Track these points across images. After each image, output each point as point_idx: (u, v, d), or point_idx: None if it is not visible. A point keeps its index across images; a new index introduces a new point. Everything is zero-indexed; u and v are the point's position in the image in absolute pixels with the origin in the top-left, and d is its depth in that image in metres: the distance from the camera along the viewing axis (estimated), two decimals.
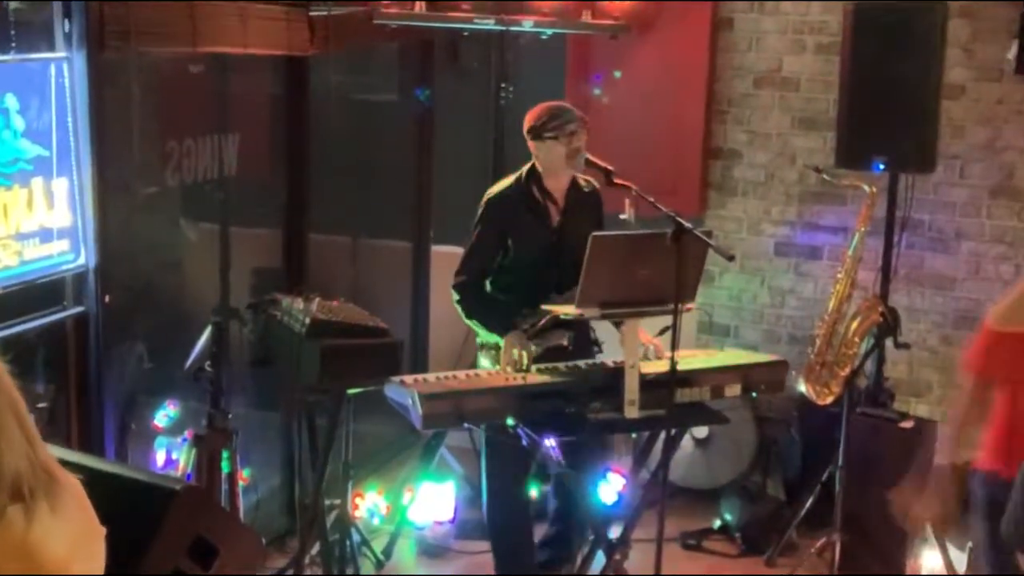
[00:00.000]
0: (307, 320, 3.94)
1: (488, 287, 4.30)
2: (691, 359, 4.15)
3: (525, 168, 4.28)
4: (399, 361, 4.06)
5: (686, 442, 5.34)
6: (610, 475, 4.96)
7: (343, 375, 3.97)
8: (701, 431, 5.42)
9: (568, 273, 4.04)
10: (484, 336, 4.24)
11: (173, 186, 4.49)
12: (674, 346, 3.70)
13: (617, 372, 3.89)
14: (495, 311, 4.21)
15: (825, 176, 5.07)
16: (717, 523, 5.24)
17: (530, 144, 4.21)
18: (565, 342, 4.16)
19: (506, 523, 4.34)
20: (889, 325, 4.79)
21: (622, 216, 4.56)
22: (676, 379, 3.77)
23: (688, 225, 3.73)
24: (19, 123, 3.57)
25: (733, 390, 4.12)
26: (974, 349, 3.40)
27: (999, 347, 3.24)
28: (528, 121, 4.21)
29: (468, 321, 4.26)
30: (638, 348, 3.93)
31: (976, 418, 3.36)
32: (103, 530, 1.95)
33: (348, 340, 3.98)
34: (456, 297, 4.25)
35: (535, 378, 3.90)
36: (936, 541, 4.67)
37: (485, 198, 4.28)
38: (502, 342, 4.08)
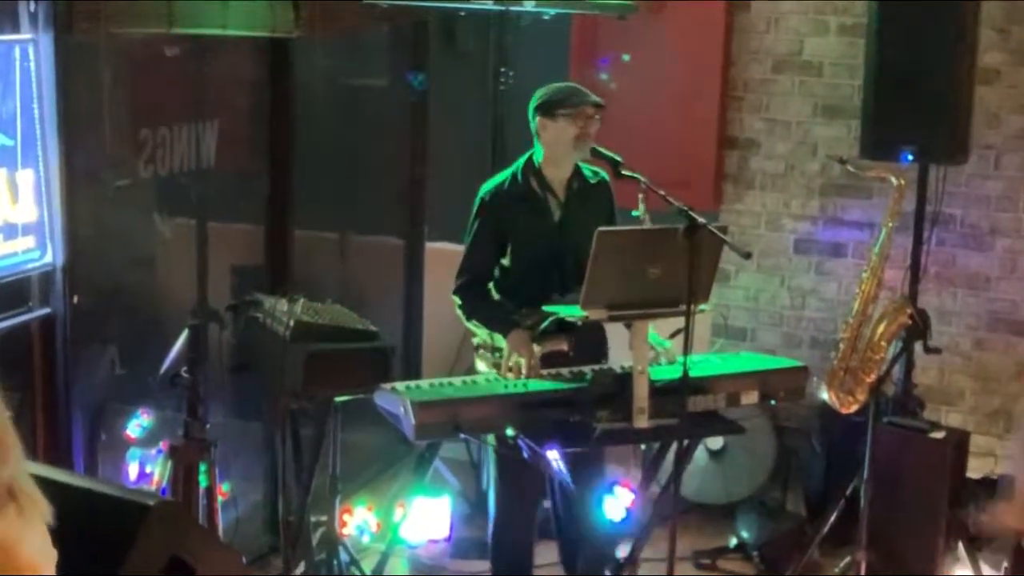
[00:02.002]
0: (291, 323, 3.94)
1: (492, 291, 4.29)
2: (705, 364, 4.15)
3: (522, 159, 4.27)
4: (390, 367, 4.07)
5: (699, 454, 5.34)
6: (618, 489, 4.96)
7: (330, 382, 3.97)
8: (716, 442, 5.42)
9: (572, 272, 4.04)
10: (482, 336, 4.24)
11: (147, 178, 4.49)
12: (686, 350, 3.70)
13: (625, 378, 3.89)
14: (497, 310, 4.20)
15: (849, 167, 5.06)
16: (733, 541, 5.24)
17: (537, 122, 4.18)
18: (566, 347, 4.15)
19: (512, 546, 4.34)
20: (918, 328, 4.78)
21: (634, 213, 4.55)
22: (689, 386, 3.77)
23: (702, 220, 3.73)
24: None
25: (750, 398, 4.12)
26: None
27: None
28: (540, 97, 4.18)
29: (468, 323, 4.26)
30: (647, 352, 3.93)
31: None
32: (55, 553, 2.05)
33: (335, 344, 3.98)
34: (458, 302, 4.25)
35: (537, 385, 3.90)
36: (969, 559, 4.67)
37: (478, 195, 4.27)
38: (503, 342, 4.08)
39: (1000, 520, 3.37)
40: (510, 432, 3.78)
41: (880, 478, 4.68)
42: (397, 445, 5.54)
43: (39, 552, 2.01)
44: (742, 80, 5.88)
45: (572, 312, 3.90)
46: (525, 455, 3.79)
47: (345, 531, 4.79)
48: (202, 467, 4.03)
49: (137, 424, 4.43)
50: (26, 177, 3.73)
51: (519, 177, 4.24)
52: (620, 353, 4.22)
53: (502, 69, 5.33)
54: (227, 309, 4.29)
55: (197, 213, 4.55)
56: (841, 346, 4.93)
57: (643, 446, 4.90)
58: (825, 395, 4.93)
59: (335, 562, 4.37)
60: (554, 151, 4.19)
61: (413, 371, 5.99)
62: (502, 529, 4.31)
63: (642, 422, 3.85)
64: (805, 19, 5.76)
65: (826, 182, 5.81)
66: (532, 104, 4.20)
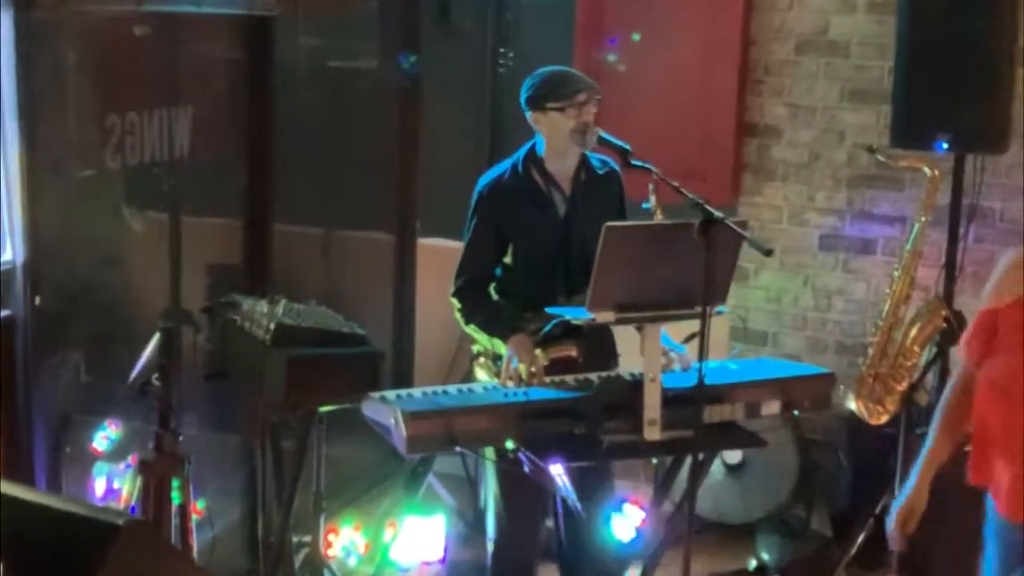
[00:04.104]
0: (272, 326, 3.94)
1: (492, 293, 4.30)
2: (722, 371, 4.15)
3: (524, 150, 4.27)
4: (379, 374, 4.07)
5: (716, 469, 5.34)
6: (627, 507, 4.96)
7: (314, 390, 3.97)
8: (734, 456, 5.42)
9: (579, 273, 4.03)
10: (484, 342, 4.24)
11: (115, 168, 4.49)
12: (702, 356, 3.70)
13: (635, 386, 3.89)
14: (497, 313, 4.20)
15: (879, 157, 5.07)
16: (752, 563, 5.24)
17: (530, 117, 4.20)
18: (574, 353, 4.16)
19: (514, 570, 4.34)
20: (954, 331, 4.78)
21: (645, 205, 4.55)
22: (704, 395, 3.77)
23: (718, 214, 3.73)
24: None
25: (771, 408, 4.12)
26: (968, 333, 3.61)
27: (987, 324, 3.49)
28: (527, 88, 4.20)
29: (467, 328, 4.26)
30: (659, 358, 3.93)
31: (963, 404, 3.60)
32: None
33: (320, 349, 3.98)
34: (457, 306, 4.25)
35: (539, 394, 3.90)
36: None
37: (476, 188, 4.27)
38: (503, 349, 4.08)
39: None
40: (510, 445, 3.78)
41: None
42: (387, 459, 5.54)
43: None
44: (762, 62, 5.88)
45: (578, 314, 3.90)
46: (526, 470, 3.79)
47: (331, 553, 4.79)
48: (175, 483, 4.03)
49: (104, 436, 4.43)
50: None
51: (520, 169, 4.24)
52: (630, 359, 4.22)
53: (501, 50, 5.34)
54: (202, 311, 4.30)
55: (169, 206, 4.55)
56: (870, 351, 4.94)
57: (655, 460, 4.89)
58: (853, 405, 4.93)
59: None
60: (554, 144, 4.20)
61: (404, 378, 6.00)
62: (503, 550, 4.31)
63: (654, 434, 3.85)
64: None
65: (854, 173, 5.81)
66: (521, 97, 4.21)
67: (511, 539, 4.29)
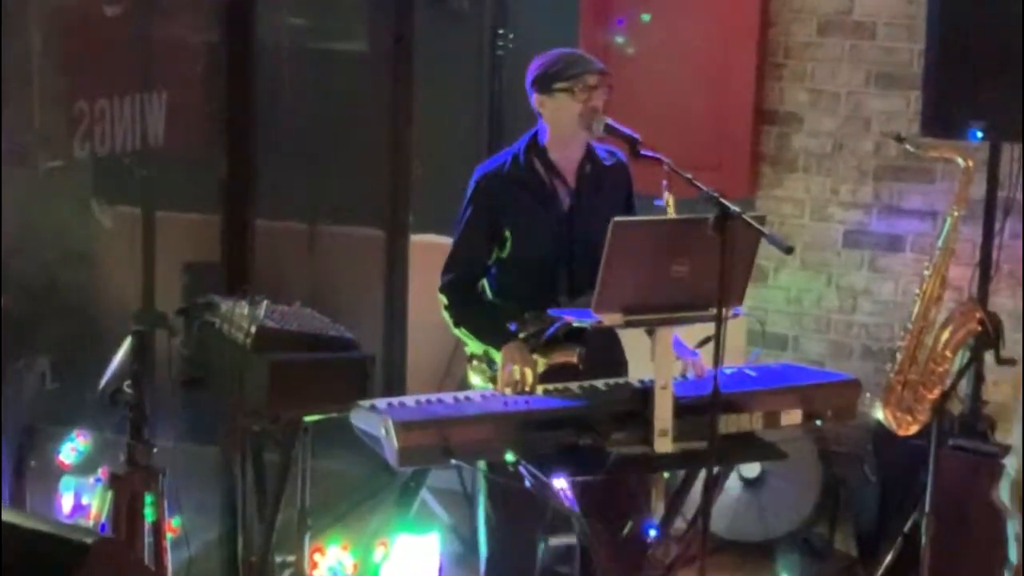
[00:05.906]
0: (253, 329, 3.94)
1: (488, 291, 4.30)
2: (739, 378, 4.15)
3: (525, 139, 4.27)
4: (369, 380, 4.07)
5: (732, 483, 5.34)
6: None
7: (298, 398, 3.97)
8: (751, 469, 5.42)
9: (583, 271, 4.03)
10: (474, 346, 4.24)
11: (83, 159, 4.49)
12: (717, 361, 3.70)
13: (644, 395, 3.89)
14: (489, 316, 4.21)
15: (908, 147, 5.07)
16: None
17: (535, 100, 4.20)
18: (575, 359, 4.16)
19: None
20: (989, 335, 4.79)
21: (658, 202, 4.56)
22: (720, 403, 3.77)
23: (735, 209, 3.73)
24: None
25: (792, 417, 4.12)
26: None
27: None
28: (535, 69, 4.20)
29: (456, 331, 4.27)
30: (671, 364, 3.93)
31: None
32: None
33: (305, 354, 3.98)
34: (444, 302, 4.26)
35: (541, 403, 3.90)
36: None
37: (472, 178, 4.27)
38: (497, 356, 4.08)
39: None
40: (510, 457, 3.78)
41: (944, 511, 4.68)
42: (377, 473, 5.54)
43: None
44: (782, 44, 5.89)
45: (583, 317, 3.90)
46: (527, 484, 3.79)
47: (316, 573, 4.79)
48: (148, 499, 4.03)
49: (72, 448, 4.43)
50: None
51: (521, 159, 4.24)
52: (639, 365, 4.22)
53: (500, 31, 5.34)
54: (177, 313, 4.29)
55: (143, 200, 4.55)
56: (899, 356, 4.94)
57: (666, 474, 4.90)
58: (880, 414, 4.93)
59: None
60: (558, 131, 4.20)
61: (396, 385, 6.00)
62: (496, 564, 4.31)
63: (665, 446, 3.85)
64: None
65: (881, 164, 5.81)
66: (528, 77, 4.22)
67: (504, 560, 4.29)
